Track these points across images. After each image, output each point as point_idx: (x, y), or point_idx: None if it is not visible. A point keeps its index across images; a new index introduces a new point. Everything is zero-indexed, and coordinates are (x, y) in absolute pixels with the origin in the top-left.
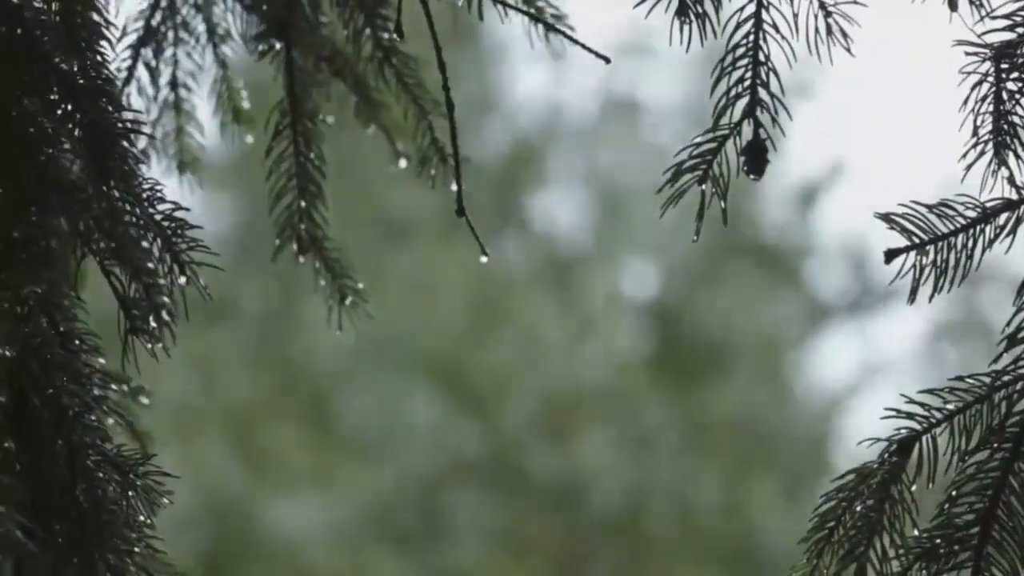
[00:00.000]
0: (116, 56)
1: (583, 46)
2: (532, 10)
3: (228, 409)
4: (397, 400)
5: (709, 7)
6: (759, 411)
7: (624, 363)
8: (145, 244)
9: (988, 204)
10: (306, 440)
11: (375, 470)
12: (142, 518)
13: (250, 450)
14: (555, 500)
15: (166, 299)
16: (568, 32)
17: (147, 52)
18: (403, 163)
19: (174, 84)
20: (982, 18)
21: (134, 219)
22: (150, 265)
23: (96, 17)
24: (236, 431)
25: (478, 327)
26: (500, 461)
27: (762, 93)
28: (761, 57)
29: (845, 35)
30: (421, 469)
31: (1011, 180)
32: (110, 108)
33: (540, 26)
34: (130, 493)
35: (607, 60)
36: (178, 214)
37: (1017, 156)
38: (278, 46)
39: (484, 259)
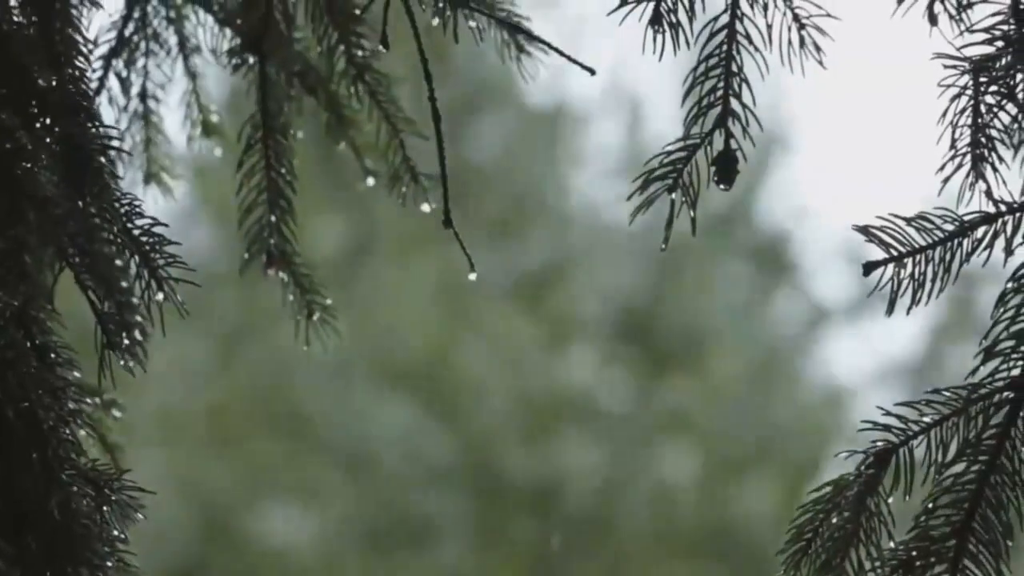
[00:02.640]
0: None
1: (569, 58)
2: (508, 24)
3: (206, 416)
4: (372, 407)
5: (683, 17)
6: (747, 409)
7: (605, 362)
8: (119, 262)
9: (966, 217)
10: (284, 448)
11: (353, 477)
12: (116, 532)
13: (230, 458)
14: (532, 501)
15: (139, 318)
16: (550, 44)
17: (118, 63)
18: (371, 181)
19: (144, 95)
20: (961, 32)
21: (110, 236)
22: (124, 284)
23: (73, 33)
24: (215, 438)
25: (450, 332)
26: (475, 464)
27: (734, 104)
28: (734, 68)
29: (818, 48)
30: (398, 474)
31: (988, 193)
32: (87, 124)
33: (513, 46)
34: (104, 508)
35: (592, 72)
36: (156, 230)
37: (995, 169)
38: (252, 60)
39: (472, 276)
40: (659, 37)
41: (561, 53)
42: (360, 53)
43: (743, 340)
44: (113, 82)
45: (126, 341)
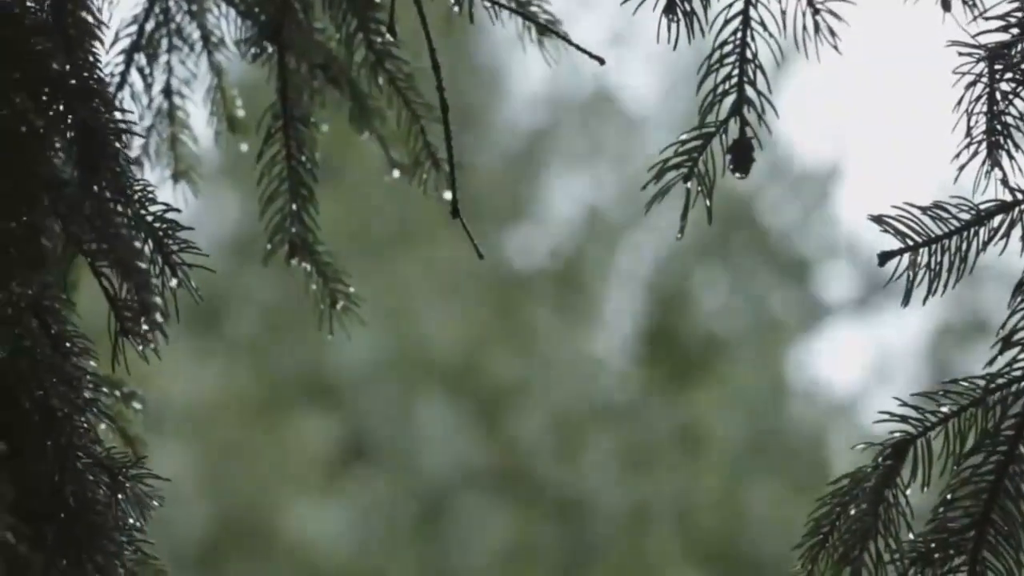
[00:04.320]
0: (109, 61)
1: (578, 47)
2: (526, 12)
3: (238, 408)
4: (409, 406)
5: (697, 5)
6: (760, 412)
7: (624, 369)
8: (137, 244)
9: (982, 206)
10: (318, 442)
11: (385, 474)
12: (132, 520)
13: (258, 450)
14: (560, 510)
15: (157, 299)
16: (562, 34)
17: (140, 58)
18: (396, 173)
19: (168, 92)
20: (975, 18)
21: (125, 219)
22: (141, 264)
23: (88, 17)
24: (243, 430)
25: (490, 337)
26: (508, 470)
27: (749, 91)
28: (748, 55)
29: (833, 33)
30: (431, 474)
31: (1004, 181)
32: (101, 108)
33: (533, 29)
34: (120, 496)
35: (602, 61)
36: (169, 215)
37: (1011, 157)
38: (271, 49)
39: (480, 258)
40: (673, 26)
41: (570, 42)
42: (379, 40)
43: (757, 344)
44: (135, 78)
45: (144, 327)
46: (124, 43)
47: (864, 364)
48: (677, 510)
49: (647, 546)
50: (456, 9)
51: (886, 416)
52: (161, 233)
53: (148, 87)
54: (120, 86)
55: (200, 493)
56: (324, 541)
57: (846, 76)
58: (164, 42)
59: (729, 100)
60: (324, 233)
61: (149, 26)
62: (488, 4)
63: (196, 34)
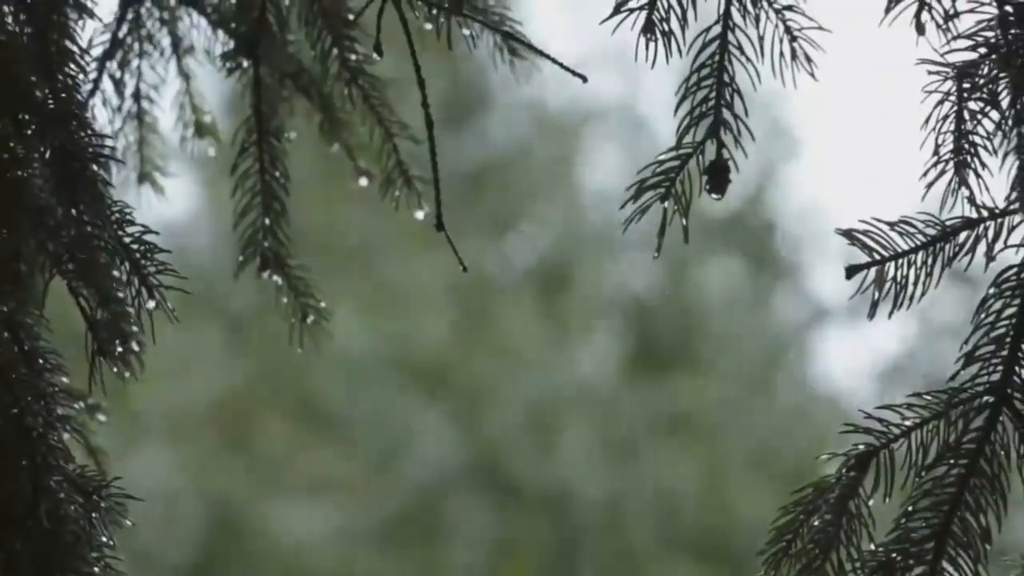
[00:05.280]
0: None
1: (560, 65)
2: (501, 31)
3: (220, 411)
4: (390, 407)
5: (675, 26)
6: (748, 410)
7: (607, 364)
8: (116, 273)
9: (948, 223)
10: (299, 445)
11: (368, 475)
12: (104, 539)
13: (244, 454)
14: (541, 503)
15: (134, 328)
16: (542, 51)
17: (112, 65)
18: (364, 181)
19: (137, 96)
20: (948, 41)
21: (102, 243)
22: (119, 293)
23: (68, 44)
24: (229, 434)
25: (463, 335)
26: (487, 467)
27: (726, 114)
28: (726, 78)
29: (809, 60)
30: (414, 475)
31: (971, 199)
32: (79, 132)
33: (506, 50)
34: (93, 515)
35: (584, 79)
36: (147, 237)
37: (977, 175)
38: (246, 64)
39: (464, 270)
40: (651, 45)
41: (553, 60)
42: (354, 57)
43: (743, 340)
44: (107, 84)
45: (119, 349)
46: (97, 51)
47: (862, 364)
48: (659, 500)
49: (631, 536)
50: (428, 26)
51: (851, 428)
52: (138, 255)
53: (120, 93)
54: (92, 92)
55: (187, 495)
56: (309, 542)
57: (829, 93)
58: (136, 46)
59: (706, 122)
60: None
61: (121, 33)
62: (468, 31)
63: (166, 40)
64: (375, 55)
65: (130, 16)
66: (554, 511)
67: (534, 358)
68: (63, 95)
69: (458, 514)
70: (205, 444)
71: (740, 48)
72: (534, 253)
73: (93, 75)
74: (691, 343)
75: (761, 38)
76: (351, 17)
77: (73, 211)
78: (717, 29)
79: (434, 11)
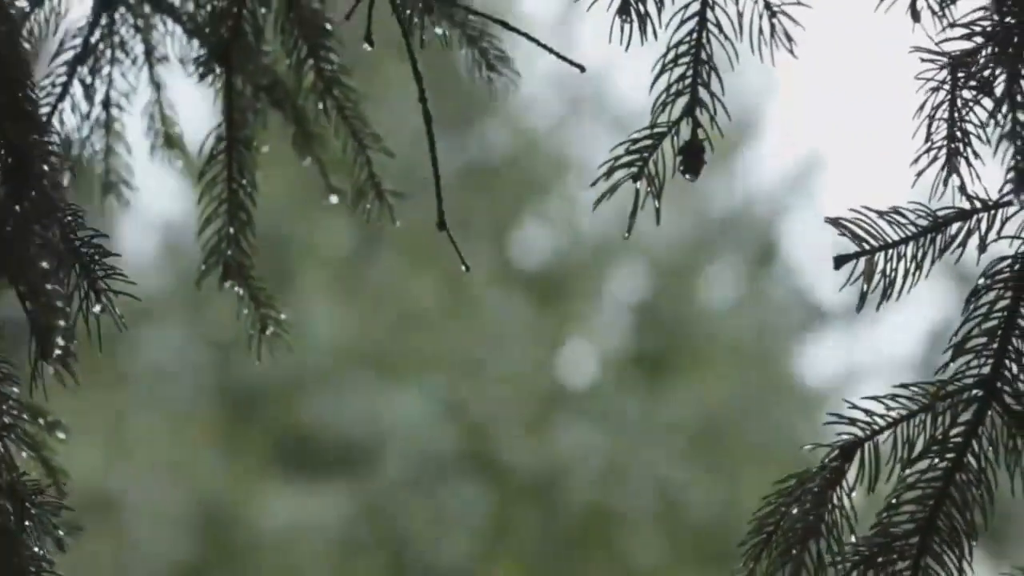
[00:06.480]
0: (52, 71)
1: (558, 55)
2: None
3: (206, 409)
4: (375, 400)
5: (651, 7)
6: (745, 407)
7: (607, 359)
8: (45, 264)
9: (940, 213)
10: (287, 440)
11: (356, 469)
12: (36, 549)
13: (232, 453)
14: (535, 492)
15: (61, 322)
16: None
17: (83, 70)
18: (334, 199)
19: (107, 103)
20: (944, 28)
21: (44, 241)
22: (48, 287)
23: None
24: (216, 433)
25: (453, 323)
26: (479, 456)
27: (702, 92)
28: (703, 56)
29: (789, 37)
30: (402, 466)
31: (962, 189)
32: (30, 129)
33: (484, 65)
34: (26, 523)
35: (582, 69)
36: (97, 240)
37: (969, 164)
38: (218, 71)
39: (466, 269)
40: (627, 27)
41: (549, 50)
42: (329, 67)
43: (740, 339)
44: (77, 89)
45: (57, 351)
46: (68, 55)
47: (856, 364)
48: (659, 500)
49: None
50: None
51: (835, 418)
52: (88, 258)
53: (89, 99)
54: (61, 97)
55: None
56: (301, 534)
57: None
58: (107, 53)
59: (682, 101)
60: None
61: (93, 39)
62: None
63: (139, 48)
64: (366, 45)
65: (104, 21)
66: (554, 512)
67: (532, 358)
68: (15, 91)
69: (449, 504)
70: (194, 441)
71: (719, 25)
72: (534, 253)
73: (63, 79)
74: (694, 341)
75: (740, 15)
76: (328, 26)
77: (16, 207)
78: (696, 6)
79: (408, 11)
